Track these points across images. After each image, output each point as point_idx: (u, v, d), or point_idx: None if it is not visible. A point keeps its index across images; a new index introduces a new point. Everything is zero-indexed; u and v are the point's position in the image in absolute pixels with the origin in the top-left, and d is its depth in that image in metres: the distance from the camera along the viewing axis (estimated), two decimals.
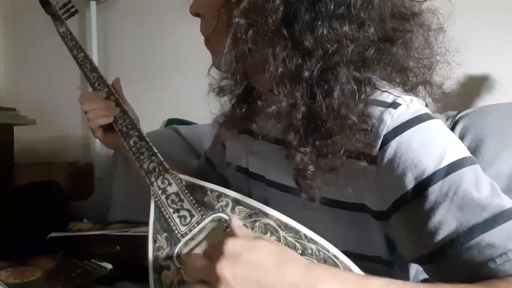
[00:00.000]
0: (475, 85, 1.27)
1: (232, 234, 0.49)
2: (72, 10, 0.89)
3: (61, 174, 1.57)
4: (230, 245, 0.43)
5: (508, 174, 0.87)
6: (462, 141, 0.53)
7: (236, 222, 0.52)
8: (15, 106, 1.56)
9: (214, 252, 0.44)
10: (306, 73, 0.51)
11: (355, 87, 0.51)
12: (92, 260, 0.93)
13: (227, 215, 0.56)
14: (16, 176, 1.57)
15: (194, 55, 0.78)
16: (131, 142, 0.67)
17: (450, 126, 0.96)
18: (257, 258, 0.43)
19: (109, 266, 0.91)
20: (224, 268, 0.41)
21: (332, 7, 0.50)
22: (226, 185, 0.78)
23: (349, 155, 0.52)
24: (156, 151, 0.64)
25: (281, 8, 0.50)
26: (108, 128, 0.80)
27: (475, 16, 1.21)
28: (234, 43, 0.53)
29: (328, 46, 0.50)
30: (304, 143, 0.52)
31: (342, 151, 0.51)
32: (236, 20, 0.52)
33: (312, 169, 0.52)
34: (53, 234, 1.01)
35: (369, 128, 0.51)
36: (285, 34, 0.51)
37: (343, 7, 0.50)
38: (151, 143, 0.65)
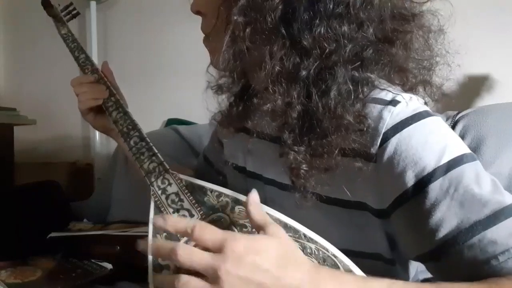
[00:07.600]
0: (475, 85, 1.27)
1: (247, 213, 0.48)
2: (73, 12, 0.89)
3: (61, 174, 1.57)
4: (234, 245, 0.42)
5: (508, 174, 0.87)
6: (462, 141, 0.53)
7: (255, 197, 0.49)
8: (15, 106, 1.56)
9: (218, 249, 0.43)
10: (303, 72, 0.51)
11: (352, 87, 0.51)
12: (92, 260, 0.93)
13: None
14: (16, 176, 1.56)
15: (194, 55, 0.78)
16: (132, 143, 0.67)
17: (450, 126, 0.96)
18: (261, 261, 0.42)
19: (109, 266, 0.91)
20: (226, 269, 0.41)
21: (331, 6, 0.50)
22: (225, 183, 0.79)
23: (346, 155, 0.52)
24: (156, 151, 0.64)
25: (280, 7, 0.50)
26: (98, 112, 0.80)
27: (475, 17, 1.21)
28: (232, 41, 0.53)
29: (326, 45, 0.50)
30: (298, 142, 0.52)
31: (337, 151, 0.51)
32: (235, 17, 0.52)
33: (305, 168, 0.52)
34: (53, 234, 1.01)
35: (365, 129, 0.51)
36: (283, 32, 0.51)
37: (342, 7, 0.50)
38: (151, 144, 0.65)
